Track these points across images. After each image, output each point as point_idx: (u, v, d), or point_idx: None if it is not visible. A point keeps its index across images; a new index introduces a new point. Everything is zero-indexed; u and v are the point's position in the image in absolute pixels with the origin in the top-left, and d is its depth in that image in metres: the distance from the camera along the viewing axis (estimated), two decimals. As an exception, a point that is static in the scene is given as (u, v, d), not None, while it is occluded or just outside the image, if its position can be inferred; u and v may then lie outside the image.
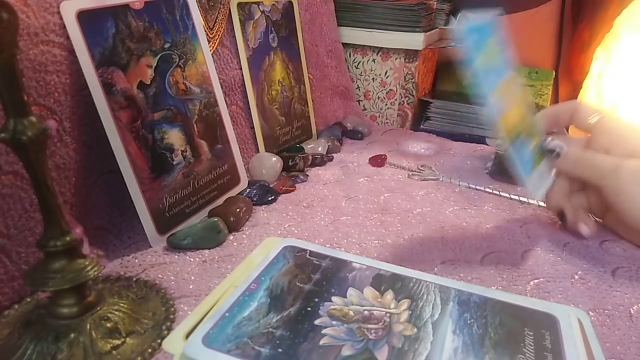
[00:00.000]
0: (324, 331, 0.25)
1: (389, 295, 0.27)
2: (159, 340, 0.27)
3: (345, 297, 0.27)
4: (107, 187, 0.37)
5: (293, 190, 0.49)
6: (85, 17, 0.33)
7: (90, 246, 0.27)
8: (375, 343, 0.24)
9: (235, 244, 0.38)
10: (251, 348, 0.23)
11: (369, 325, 0.25)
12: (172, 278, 0.33)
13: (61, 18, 0.32)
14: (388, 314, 0.26)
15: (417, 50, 0.70)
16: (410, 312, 0.26)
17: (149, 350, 0.26)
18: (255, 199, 0.45)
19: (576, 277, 0.35)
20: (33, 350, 0.25)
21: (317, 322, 0.25)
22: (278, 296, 0.27)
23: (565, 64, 0.85)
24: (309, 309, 0.26)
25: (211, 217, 0.39)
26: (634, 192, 0.35)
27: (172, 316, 0.29)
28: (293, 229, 0.41)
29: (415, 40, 0.69)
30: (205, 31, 0.46)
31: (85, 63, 0.33)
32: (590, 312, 0.31)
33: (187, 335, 0.27)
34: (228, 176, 0.45)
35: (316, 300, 0.27)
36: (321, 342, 0.24)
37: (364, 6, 0.71)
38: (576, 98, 0.75)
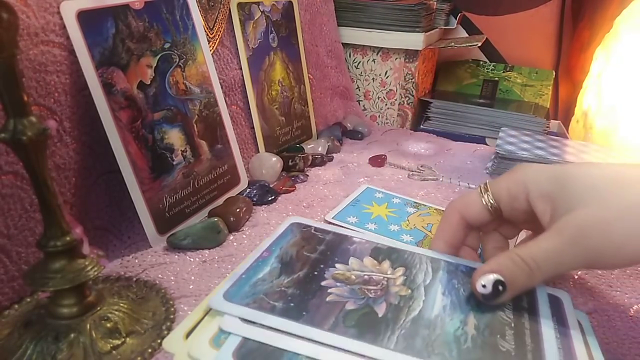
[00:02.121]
0: (329, 290, 0.28)
1: (386, 264, 0.30)
2: (159, 340, 0.27)
3: (347, 264, 0.30)
4: (107, 187, 0.37)
5: (293, 191, 0.49)
6: (85, 17, 0.33)
7: (90, 246, 0.27)
8: (375, 300, 0.27)
9: (235, 244, 0.39)
10: (267, 302, 0.26)
11: (369, 287, 0.28)
12: (172, 278, 0.33)
13: (61, 18, 0.32)
14: (385, 279, 0.29)
15: (417, 50, 0.70)
16: (405, 277, 0.29)
17: (149, 350, 0.26)
18: (255, 199, 0.45)
19: (575, 277, 0.35)
20: (33, 351, 0.25)
21: (323, 283, 0.28)
22: (288, 262, 0.30)
23: (565, 64, 0.85)
24: (316, 273, 0.29)
25: (211, 217, 0.39)
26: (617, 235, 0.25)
27: (172, 316, 0.29)
28: (293, 229, 0.41)
29: (415, 40, 0.69)
30: (205, 31, 0.46)
31: (85, 63, 0.33)
32: (590, 313, 0.31)
33: (187, 335, 0.27)
34: (228, 176, 0.45)
35: (321, 266, 0.30)
36: (327, 299, 0.27)
37: (364, 6, 0.71)
38: (576, 98, 0.75)
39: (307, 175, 0.52)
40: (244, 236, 0.40)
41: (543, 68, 0.83)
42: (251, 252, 0.31)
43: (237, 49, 0.51)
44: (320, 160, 0.56)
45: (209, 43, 0.46)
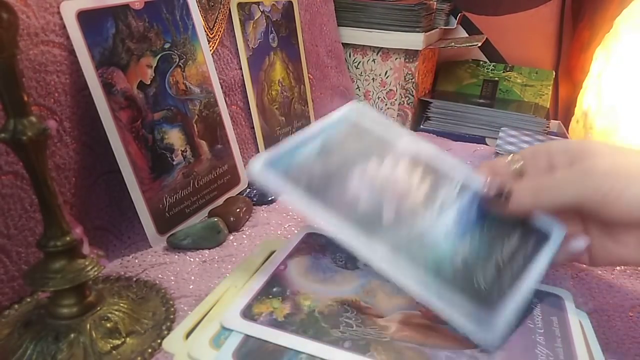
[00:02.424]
0: (351, 183, 0.29)
1: (418, 173, 0.30)
2: (159, 340, 0.27)
3: (382, 162, 0.30)
4: (107, 187, 0.37)
5: (293, 190, 0.49)
6: (86, 17, 0.33)
7: (90, 246, 0.27)
8: (388, 204, 0.28)
9: (235, 244, 0.38)
10: (295, 176, 0.28)
11: (388, 191, 0.29)
12: (172, 278, 0.33)
13: (61, 18, 0.32)
14: (408, 187, 0.29)
15: (417, 50, 0.70)
16: (427, 192, 0.29)
17: (149, 350, 0.26)
18: (255, 199, 0.45)
19: (576, 278, 0.35)
20: (33, 351, 0.25)
21: (349, 175, 0.29)
22: (328, 149, 0.31)
23: (565, 64, 0.85)
24: (348, 164, 0.30)
25: (211, 217, 0.39)
26: (626, 179, 0.26)
27: (172, 316, 0.29)
28: (293, 229, 0.41)
29: (415, 40, 0.69)
30: (205, 31, 0.46)
31: (85, 63, 0.33)
32: (590, 313, 0.31)
33: (187, 336, 0.27)
34: (228, 176, 0.45)
35: (356, 160, 0.30)
36: (345, 189, 0.28)
37: (364, 6, 0.71)
38: (576, 98, 0.75)
39: (307, 175, 0.52)
40: (244, 236, 0.40)
41: (543, 68, 0.83)
42: (303, 133, 0.31)
43: (237, 49, 0.51)
44: (320, 160, 0.56)
45: (209, 43, 0.46)
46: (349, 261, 0.31)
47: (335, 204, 0.27)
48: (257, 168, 0.28)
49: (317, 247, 0.33)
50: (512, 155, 0.32)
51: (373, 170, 0.30)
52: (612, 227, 0.28)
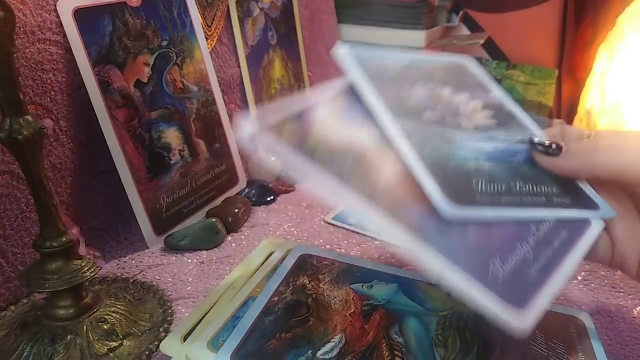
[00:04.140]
0: (415, 88, 0.27)
1: (487, 113, 0.28)
2: (156, 343, 0.27)
3: (455, 94, 0.28)
4: (103, 187, 0.37)
5: (293, 191, 0.48)
6: (82, 15, 0.33)
7: (87, 247, 0.27)
8: (435, 110, 0.26)
9: (233, 245, 0.38)
10: (365, 65, 0.28)
11: (446, 107, 0.27)
12: (169, 280, 0.33)
13: (58, 16, 0.32)
14: (467, 114, 0.27)
15: (419, 48, 0.70)
16: (485, 125, 0.27)
17: (147, 353, 0.26)
18: (254, 200, 0.45)
19: (579, 278, 0.35)
20: (30, 353, 0.25)
21: (418, 86, 0.28)
22: (413, 68, 0.29)
23: (568, 63, 0.85)
24: (423, 81, 0.28)
25: (209, 218, 0.39)
26: None
27: (169, 318, 0.29)
28: (293, 229, 0.41)
29: (417, 38, 0.68)
30: (204, 29, 0.45)
31: (82, 61, 0.33)
32: (593, 314, 0.31)
33: (185, 338, 0.26)
34: (227, 176, 0.45)
35: (433, 83, 0.28)
36: (403, 89, 0.27)
37: (365, 3, 0.71)
38: (579, 97, 0.74)
39: (307, 175, 0.52)
40: (243, 237, 0.39)
41: (546, 66, 0.82)
42: None
43: (236, 46, 0.51)
44: (321, 160, 0.56)
45: (207, 41, 0.45)
46: None
47: (384, 92, 0.26)
48: (344, 51, 0.28)
49: None
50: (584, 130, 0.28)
51: (444, 93, 0.28)
52: None
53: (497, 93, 0.31)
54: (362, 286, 0.30)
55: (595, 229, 0.25)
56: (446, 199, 0.21)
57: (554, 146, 0.26)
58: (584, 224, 0.25)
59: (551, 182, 0.26)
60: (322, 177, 0.21)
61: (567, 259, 0.23)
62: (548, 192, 0.25)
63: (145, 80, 0.37)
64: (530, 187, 0.25)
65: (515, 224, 0.23)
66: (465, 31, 0.87)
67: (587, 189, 0.26)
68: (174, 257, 0.36)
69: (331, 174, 0.21)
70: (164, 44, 0.39)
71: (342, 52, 0.28)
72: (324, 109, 0.26)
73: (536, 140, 0.26)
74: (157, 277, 0.33)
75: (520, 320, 0.20)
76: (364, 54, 0.29)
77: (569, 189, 0.26)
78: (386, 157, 0.23)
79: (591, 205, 0.26)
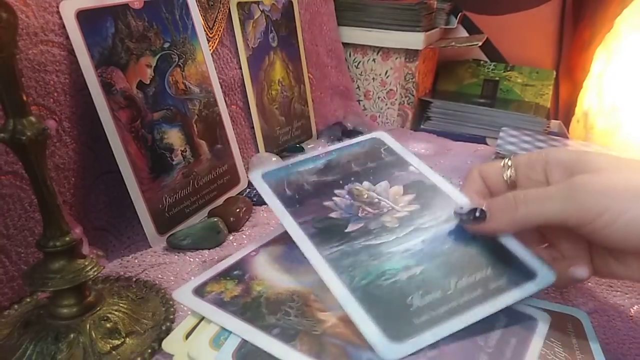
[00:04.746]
0: (334, 198, 0.30)
1: (409, 197, 0.30)
2: (158, 341, 0.27)
3: (374, 185, 0.31)
4: (106, 187, 0.37)
5: (293, 190, 0.48)
6: (85, 17, 0.33)
7: (90, 246, 0.27)
8: (358, 219, 0.28)
9: (235, 244, 0.38)
10: (282, 188, 0.30)
11: (367, 208, 0.29)
12: (172, 278, 0.33)
13: (60, 18, 0.32)
14: (389, 207, 0.29)
15: (418, 50, 0.70)
16: (409, 214, 0.29)
17: (149, 351, 0.26)
18: (255, 199, 0.45)
19: (576, 277, 0.35)
20: (33, 351, 0.25)
21: (336, 191, 0.30)
22: (330, 168, 0.32)
23: (565, 64, 0.85)
24: (341, 182, 0.31)
25: (211, 217, 0.39)
26: (623, 201, 0.23)
27: (171, 316, 0.29)
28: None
29: (415, 39, 0.69)
30: (205, 31, 0.45)
31: (85, 63, 0.33)
32: (590, 313, 0.31)
33: (187, 336, 0.27)
34: (228, 176, 0.45)
35: (352, 179, 0.31)
36: (325, 203, 0.29)
37: (364, 6, 0.71)
38: (577, 98, 0.75)
39: (307, 175, 0.52)
40: (244, 236, 0.40)
41: (544, 68, 0.83)
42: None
43: (237, 48, 0.51)
44: (320, 160, 0.56)
45: (208, 42, 0.46)
46: None
47: (306, 212, 0.28)
48: (254, 177, 0.31)
49: None
50: (505, 160, 0.29)
51: (362, 189, 0.30)
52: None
53: (415, 164, 0.33)
54: None
55: (542, 328, 0.25)
56: (384, 339, 0.22)
57: (477, 213, 0.27)
58: (531, 324, 0.25)
59: (485, 263, 0.26)
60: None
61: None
62: (483, 277, 0.26)
63: (148, 82, 0.37)
64: (465, 281, 0.25)
65: (462, 346, 0.23)
66: (463, 33, 0.88)
67: (523, 254, 0.27)
68: (176, 256, 0.36)
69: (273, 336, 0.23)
70: (166, 45, 0.39)
71: (255, 180, 0.30)
72: (262, 258, 0.29)
73: (460, 211, 0.28)
74: (160, 276, 0.33)
75: None
76: (277, 174, 0.31)
77: (503, 266, 0.26)
78: (324, 298, 0.25)
79: (528, 275, 0.26)
